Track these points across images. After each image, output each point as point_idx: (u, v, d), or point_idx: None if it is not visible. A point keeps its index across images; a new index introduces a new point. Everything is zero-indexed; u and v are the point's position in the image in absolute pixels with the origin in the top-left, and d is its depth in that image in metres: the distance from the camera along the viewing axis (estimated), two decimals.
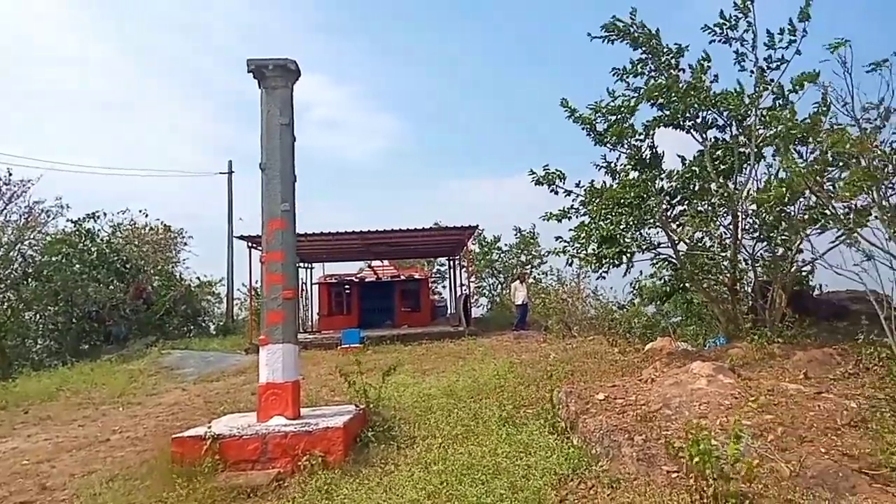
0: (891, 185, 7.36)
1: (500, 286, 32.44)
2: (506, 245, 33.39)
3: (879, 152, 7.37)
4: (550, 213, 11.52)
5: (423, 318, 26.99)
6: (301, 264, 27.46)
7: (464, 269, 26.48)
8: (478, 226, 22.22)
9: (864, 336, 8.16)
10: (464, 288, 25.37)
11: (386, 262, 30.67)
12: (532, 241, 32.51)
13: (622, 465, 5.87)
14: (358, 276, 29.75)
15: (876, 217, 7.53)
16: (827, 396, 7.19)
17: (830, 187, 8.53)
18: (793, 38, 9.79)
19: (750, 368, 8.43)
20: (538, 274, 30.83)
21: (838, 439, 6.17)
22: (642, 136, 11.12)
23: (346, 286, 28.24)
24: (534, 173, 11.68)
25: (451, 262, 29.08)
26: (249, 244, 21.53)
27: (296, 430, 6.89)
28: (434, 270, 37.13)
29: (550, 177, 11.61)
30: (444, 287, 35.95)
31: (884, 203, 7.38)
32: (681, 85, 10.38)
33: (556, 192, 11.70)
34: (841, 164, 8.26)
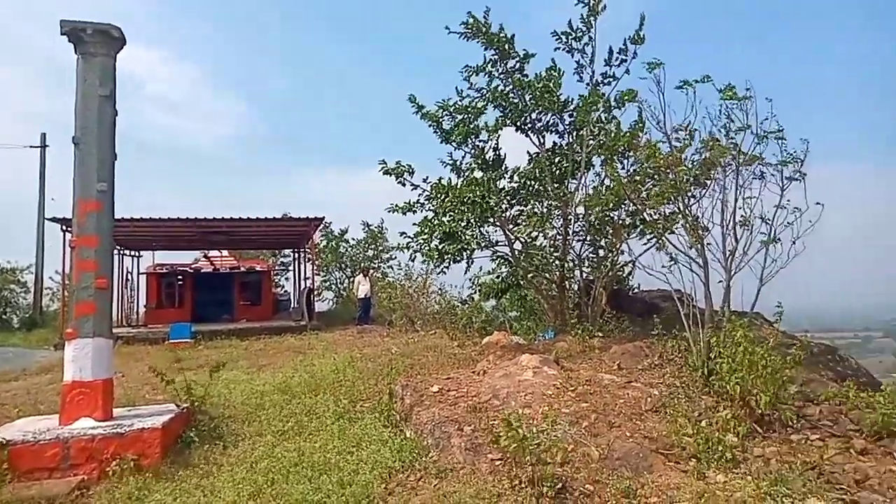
0: (693, 197, 8.32)
1: (346, 280, 32.12)
2: (353, 239, 33.14)
3: (685, 167, 8.28)
4: (396, 206, 11.60)
5: (264, 312, 25.95)
6: (127, 252, 25.21)
7: (309, 262, 25.86)
8: (324, 217, 21.81)
9: (668, 331, 9.10)
10: (308, 281, 24.76)
11: (226, 253, 29.08)
12: (380, 235, 32.55)
13: (451, 455, 6.04)
14: (192, 266, 27.87)
15: (681, 225, 8.46)
16: (635, 385, 7.95)
17: (646, 196, 9.44)
18: (624, 58, 10.73)
19: (572, 360, 9.08)
20: (386, 269, 30.96)
21: (641, 423, 6.85)
22: (486, 138, 11.56)
23: (179, 277, 26.34)
24: (384, 163, 11.69)
25: (297, 255, 28.30)
26: (63, 227, 19.37)
27: (105, 433, 6.25)
28: (278, 263, 35.89)
29: (399, 169, 11.69)
30: (287, 280, 34.89)
31: (687, 212, 8.31)
32: (527, 89, 10.92)
33: (404, 185, 11.81)
34: (654, 176, 9.18)
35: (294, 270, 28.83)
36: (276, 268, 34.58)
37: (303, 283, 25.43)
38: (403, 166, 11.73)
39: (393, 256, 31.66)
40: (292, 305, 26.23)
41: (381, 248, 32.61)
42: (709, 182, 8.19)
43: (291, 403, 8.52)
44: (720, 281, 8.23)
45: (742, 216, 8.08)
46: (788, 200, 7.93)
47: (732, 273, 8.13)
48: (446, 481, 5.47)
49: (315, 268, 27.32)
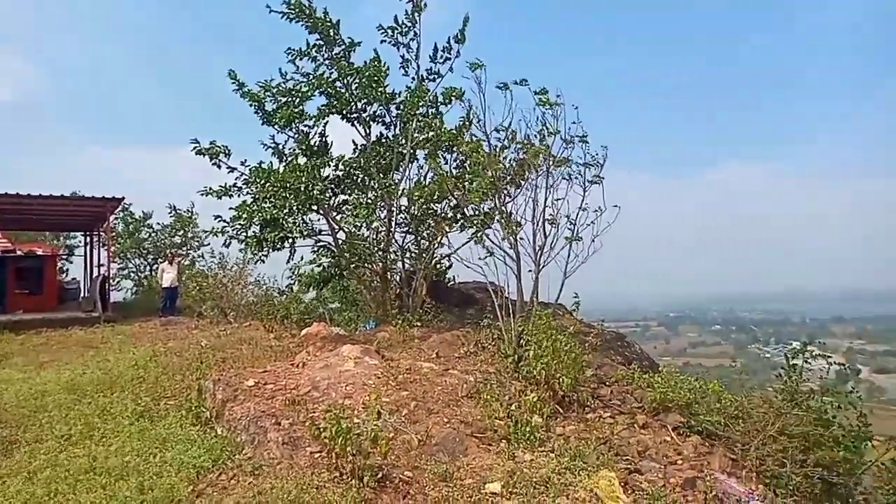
0: (509, 195, 8.84)
1: (148, 268, 29.38)
2: (159, 223, 30.39)
3: (503, 166, 8.76)
4: (210, 189, 10.85)
5: (47, 303, 22.74)
6: None
7: (104, 247, 23.22)
8: (123, 198, 19.74)
9: (484, 320, 9.57)
10: (102, 268, 22.23)
11: None
12: (190, 220, 30.21)
13: (267, 450, 5.78)
14: None
15: (497, 220, 8.94)
16: (452, 373, 8.26)
17: (467, 192, 9.83)
18: (449, 56, 11.03)
19: (394, 350, 9.19)
20: (197, 256, 28.83)
21: (458, 409, 7.13)
22: (312, 124, 11.23)
23: None
24: (197, 143, 10.84)
25: (89, 239, 25.22)
26: None
27: None
28: (65, 247, 31.78)
29: (214, 150, 10.93)
30: (75, 266, 31.01)
31: (503, 209, 8.81)
32: (353, 78, 10.77)
33: (220, 167, 11.07)
34: (475, 172, 9.59)
35: (85, 256, 25.73)
36: (63, 252, 30.61)
37: (96, 270, 22.78)
38: (219, 147, 11.01)
39: (205, 243, 29.60)
40: (82, 295, 23.38)
41: (190, 234, 30.28)
42: (523, 182, 8.75)
43: (81, 404, 7.60)
44: (530, 270, 8.83)
45: (550, 214, 8.75)
46: (588, 204, 8.75)
47: (541, 267, 8.77)
48: (262, 478, 5.22)
49: (111, 254, 24.62)
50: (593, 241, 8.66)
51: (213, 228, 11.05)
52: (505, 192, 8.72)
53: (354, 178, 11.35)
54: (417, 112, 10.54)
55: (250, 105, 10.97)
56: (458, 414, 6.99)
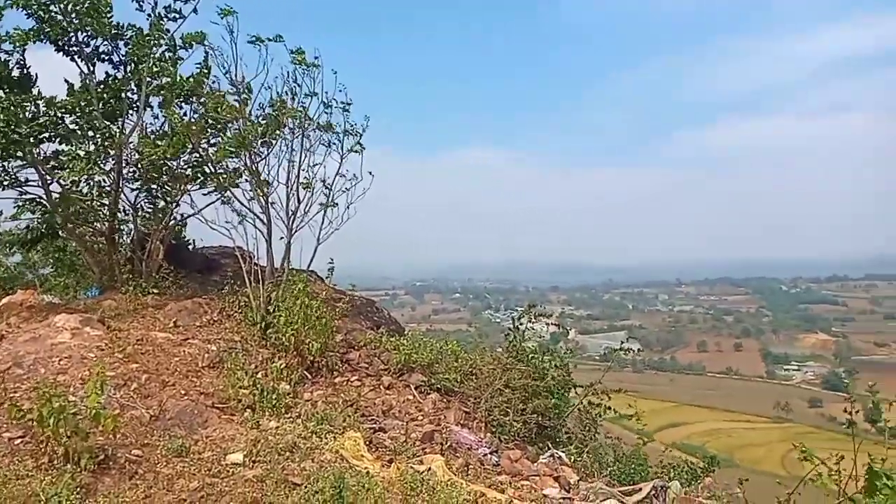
0: (259, 154, 8.37)
1: None
2: None
3: (253, 123, 8.24)
4: None
5: None
6: None
7: None
8: None
9: (229, 287, 9.02)
10: None
11: None
12: None
13: None
14: None
15: (246, 180, 8.44)
16: (192, 342, 7.67)
17: (212, 147, 9.06)
18: None
19: (122, 319, 8.19)
20: None
21: (198, 380, 6.66)
22: (10, 49, 9.19)
23: None
24: None
25: None
26: None
27: None
28: None
29: None
30: None
31: (253, 168, 8.33)
32: (71, 2, 9.03)
33: None
34: (220, 126, 8.86)
35: None
36: None
37: None
38: None
39: None
40: None
41: None
42: (275, 140, 8.35)
43: None
44: (282, 238, 8.55)
45: (306, 178, 8.53)
46: (347, 169, 8.72)
47: (293, 232, 8.54)
48: None
49: None
50: (348, 208, 8.69)
51: None
52: (255, 150, 8.24)
53: (73, 123, 9.64)
54: (152, 54, 9.22)
55: None
56: (197, 385, 6.53)
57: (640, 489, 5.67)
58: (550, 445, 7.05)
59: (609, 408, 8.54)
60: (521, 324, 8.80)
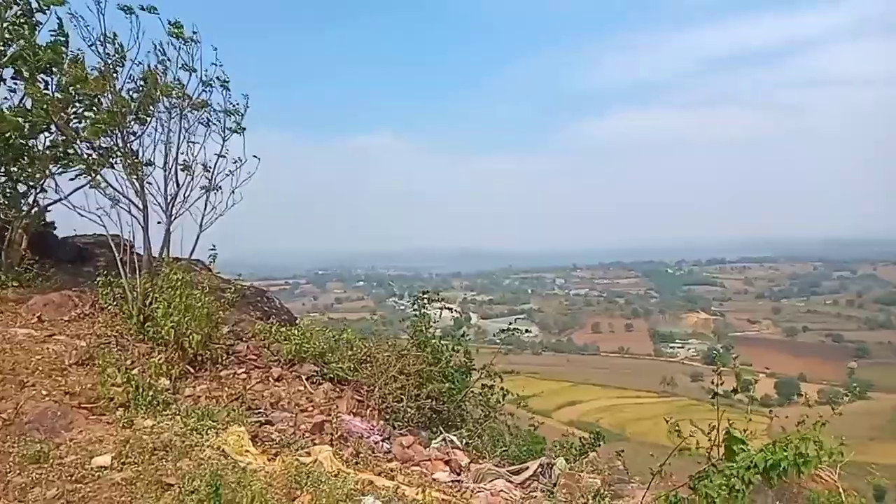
0: (133, 133, 7.75)
1: None
2: None
3: (124, 98, 7.59)
4: None
5: None
6: None
7: None
8: None
9: (103, 278, 8.36)
10: None
11: None
12: None
13: None
14: None
15: (120, 162, 7.79)
16: (59, 338, 7.06)
17: (78, 124, 8.27)
18: None
19: None
20: None
21: (63, 379, 6.13)
22: None
23: None
24: None
25: None
26: None
27: None
28: None
29: None
30: None
31: (127, 149, 7.69)
32: None
33: None
34: (87, 102, 8.10)
35: None
36: None
37: None
38: None
39: None
40: None
41: None
42: (149, 118, 7.76)
43: None
44: (160, 222, 8.00)
45: (185, 161, 8.02)
46: (228, 150, 8.28)
47: (173, 218, 8.02)
48: None
49: None
50: (232, 192, 8.27)
51: None
52: (128, 129, 7.62)
53: None
54: (3, 14, 8.14)
55: None
56: (62, 385, 6.00)
57: (528, 468, 5.81)
58: (443, 430, 7.09)
59: (503, 389, 8.70)
60: (419, 308, 8.74)
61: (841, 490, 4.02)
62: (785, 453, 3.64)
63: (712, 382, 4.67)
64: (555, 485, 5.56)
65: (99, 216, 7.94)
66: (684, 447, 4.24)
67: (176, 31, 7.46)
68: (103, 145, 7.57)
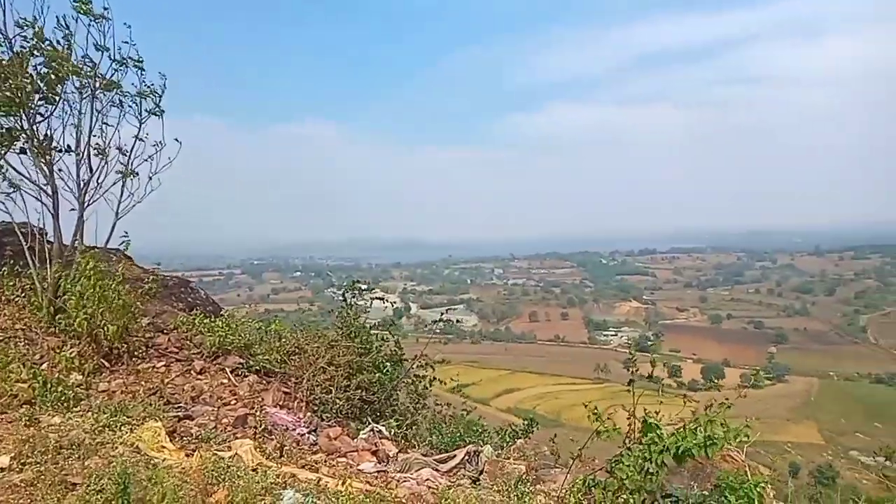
0: (40, 114, 7.25)
1: None
2: None
3: (29, 76, 7.07)
4: None
5: None
6: None
7: None
8: None
9: (9, 268, 7.85)
10: None
11: None
12: None
13: None
14: None
15: (24, 144, 7.29)
16: None
17: None
18: None
19: None
20: None
21: None
22: None
23: None
24: None
25: None
26: None
27: None
28: None
29: None
30: None
31: (33, 131, 7.19)
32: None
33: None
34: None
35: None
36: None
37: None
38: None
39: None
40: None
41: None
42: (57, 98, 7.28)
43: None
44: (72, 209, 7.55)
45: (98, 144, 7.59)
46: (147, 134, 7.88)
47: (86, 205, 7.59)
48: None
49: None
50: (151, 178, 7.89)
51: None
52: (34, 110, 7.12)
53: None
54: None
55: None
56: None
57: (455, 456, 5.81)
58: (372, 420, 7.02)
59: (434, 378, 8.68)
60: (348, 299, 8.59)
61: (747, 468, 4.20)
62: (694, 436, 3.77)
63: (628, 370, 4.83)
64: (481, 472, 5.59)
65: (4, 203, 7.46)
66: (602, 431, 4.35)
67: (82, 6, 7.00)
68: (4, 125, 7.05)
